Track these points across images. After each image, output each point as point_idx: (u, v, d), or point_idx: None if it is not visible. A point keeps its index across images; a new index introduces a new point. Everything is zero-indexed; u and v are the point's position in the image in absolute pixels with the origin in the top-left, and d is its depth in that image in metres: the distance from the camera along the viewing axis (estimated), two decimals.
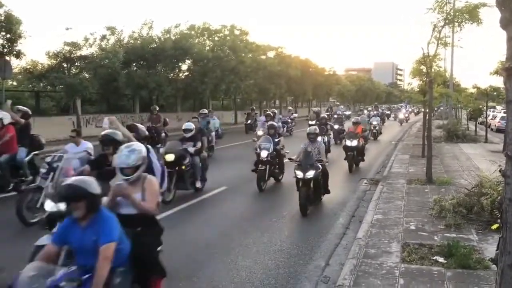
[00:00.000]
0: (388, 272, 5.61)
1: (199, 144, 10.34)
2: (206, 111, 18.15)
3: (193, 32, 31.86)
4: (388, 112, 50.39)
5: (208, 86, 30.19)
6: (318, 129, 10.12)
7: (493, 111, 39.03)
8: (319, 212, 9.14)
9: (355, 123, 15.90)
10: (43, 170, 7.58)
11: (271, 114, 18.93)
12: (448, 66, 29.52)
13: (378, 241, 6.84)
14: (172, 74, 29.72)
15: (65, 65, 21.77)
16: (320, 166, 9.07)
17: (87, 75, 22.75)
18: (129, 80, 24.79)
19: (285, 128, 26.02)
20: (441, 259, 5.96)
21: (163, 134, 17.18)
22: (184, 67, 31.36)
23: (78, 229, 3.83)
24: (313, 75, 53.77)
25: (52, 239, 4.02)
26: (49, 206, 5.26)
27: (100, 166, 5.63)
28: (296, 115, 33.33)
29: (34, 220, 7.37)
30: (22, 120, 10.01)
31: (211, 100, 38.33)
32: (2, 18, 17.42)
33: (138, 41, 27.03)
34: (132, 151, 4.42)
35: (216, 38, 33.55)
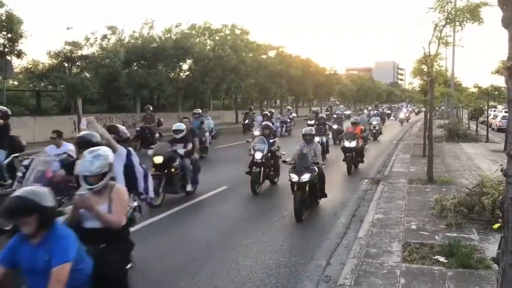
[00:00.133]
0: (389, 272, 5.61)
1: (190, 146, 9.97)
2: (199, 110, 17.59)
3: (194, 32, 31.86)
4: (389, 112, 50.06)
5: (209, 86, 30.18)
6: (314, 130, 9.79)
7: (494, 111, 39.03)
8: (320, 211, 9.13)
9: (354, 123, 15.51)
10: (19, 174, 6.95)
11: (268, 114, 18.39)
12: (449, 66, 29.52)
13: (379, 241, 6.84)
14: (173, 74, 29.71)
15: (66, 65, 21.75)
16: (316, 169, 8.71)
17: (88, 75, 22.73)
18: (130, 80, 24.79)
19: (284, 128, 25.62)
20: (442, 259, 5.95)
21: (157, 135, 16.88)
22: (185, 66, 31.36)
23: (29, 247, 3.34)
24: (314, 75, 53.73)
25: None
26: None
27: None
28: (295, 114, 32.87)
29: (8, 228, 7.06)
30: (1, 121, 9.49)
31: (212, 99, 38.35)
32: (3, 17, 17.43)
33: (139, 41, 27.02)
34: (97, 157, 4.00)
35: (217, 38, 33.54)
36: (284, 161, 9.40)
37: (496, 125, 33.58)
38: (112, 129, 6.00)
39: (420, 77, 16.64)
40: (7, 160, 9.27)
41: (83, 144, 5.15)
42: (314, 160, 8.98)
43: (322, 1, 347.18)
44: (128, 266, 4.32)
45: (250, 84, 37.38)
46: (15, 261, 3.38)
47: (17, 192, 3.38)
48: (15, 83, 26.41)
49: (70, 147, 7.86)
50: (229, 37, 33.45)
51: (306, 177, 8.31)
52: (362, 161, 14.68)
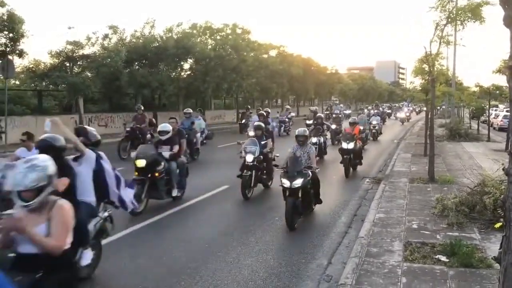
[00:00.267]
0: (390, 271, 5.61)
1: (176, 148, 9.35)
2: (190, 110, 16.87)
3: (195, 31, 31.88)
4: (389, 111, 49.74)
5: (210, 85, 30.20)
6: (308, 131, 9.08)
7: (495, 110, 38.99)
8: (321, 211, 9.12)
9: (352, 124, 14.95)
10: None
11: (264, 114, 17.73)
12: (451, 65, 29.46)
13: (380, 240, 6.84)
14: (174, 73, 29.73)
15: (67, 64, 21.80)
16: (309, 173, 8.11)
17: (89, 74, 22.79)
18: (131, 79, 24.81)
19: (282, 128, 25.36)
20: (443, 258, 5.95)
21: (148, 135, 15.88)
22: (186, 66, 31.41)
23: None
24: (315, 74, 53.75)
25: None
26: None
27: None
28: (293, 114, 32.35)
29: None
30: None
31: (213, 99, 38.37)
32: (5, 17, 17.45)
33: (140, 40, 27.04)
34: (32, 167, 3.31)
35: (218, 37, 33.55)
36: (275, 165, 8.85)
37: (498, 124, 33.53)
38: (80, 131, 5.59)
39: (421, 76, 16.65)
40: None
41: (44, 148, 4.60)
42: (307, 164, 8.41)
43: (323, 1, 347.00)
44: None
45: (251, 84, 37.39)
46: None
47: None
48: (17, 82, 26.46)
49: None
50: (230, 36, 33.45)
51: (298, 182, 7.75)
52: (361, 163, 14.11)
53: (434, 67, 12.39)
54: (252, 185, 10.06)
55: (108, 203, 5.41)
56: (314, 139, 15.21)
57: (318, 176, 8.66)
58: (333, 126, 19.81)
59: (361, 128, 18.15)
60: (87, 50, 21.72)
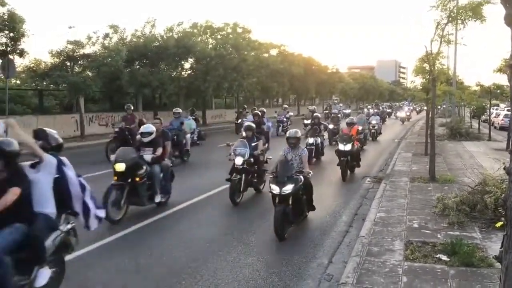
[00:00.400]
0: (391, 270, 5.61)
1: (159, 150, 8.75)
2: (179, 110, 16.18)
3: (195, 30, 31.89)
4: (389, 110, 49.44)
5: (210, 84, 30.20)
6: (299, 133, 8.41)
7: (496, 109, 38.95)
8: (322, 210, 9.12)
9: (350, 124, 14.32)
10: None
11: (259, 114, 16.96)
12: (451, 64, 29.43)
13: (381, 239, 6.84)
14: (174, 73, 29.74)
15: (68, 64, 21.79)
16: (301, 178, 7.57)
17: (90, 74, 22.78)
18: (132, 79, 24.82)
19: (280, 128, 24.84)
20: (444, 257, 5.95)
21: (138, 136, 15.02)
22: (186, 65, 31.41)
23: None
24: (316, 73, 53.76)
25: None
26: None
27: None
28: (291, 113, 31.38)
29: None
30: None
31: (213, 98, 38.39)
32: (6, 17, 17.46)
33: (141, 40, 27.06)
34: None
35: (219, 36, 33.54)
36: (265, 170, 8.33)
37: (499, 123, 33.52)
38: (39, 134, 5.01)
39: (422, 75, 16.61)
40: None
41: None
42: (299, 168, 7.91)
43: (324, 1, 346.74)
44: None
45: (252, 83, 37.39)
46: None
47: None
48: (18, 82, 26.48)
49: None
50: (231, 35, 33.45)
51: (288, 188, 7.17)
52: (359, 166, 13.45)
53: (435, 66, 12.38)
54: (241, 189, 9.48)
55: (71, 215, 4.87)
56: (311, 140, 15.03)
57: (311, 181, 8.08)
58: (331, 126, 19.30)
59: (360, 128, 17.82)
60: (87, 50, 21.74)
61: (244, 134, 12.17)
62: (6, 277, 3.82)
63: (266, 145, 14.84)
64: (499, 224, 6.95)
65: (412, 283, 5.21)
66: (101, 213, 4.99)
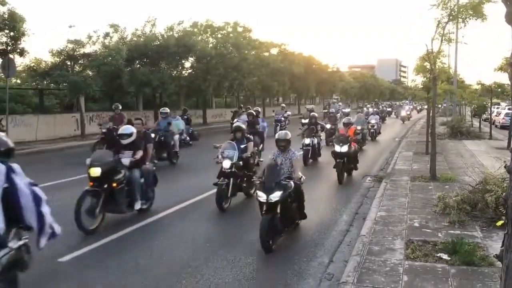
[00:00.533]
0: (392, 269, 5.60)
1: (139, 154, 8.09)
2: (167, 110, 15.31)
3: (196, 30, 31.86)
4: (389, 109, 49.10)
5: (211, 83, 30.18)
6: (289, 135, 7.80)
7: (497, 108, 38.92)
8: (323, 209, 9.12)
9: (346, 124, 13.53)
10: None
11: (254, 113, 16.21)
12: (452, 63, 29.41)
13: (382, 238, 6.83)
14: (175, 72, 29.70)
15: (68, 63, 21.79)
16: (291, 184, 6.99)
17: (90, 73, 22.78)
18: (133, 78, 24.81)
19: (278, 128, 23.74)
20: (445, 256, 5.94)
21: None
22: (187, 64, 31.35)
23: None
24: (316, 72, 53.71)
25: None
26: None
27: None
28: (289, 113, 29.90)
29: None
30: None
31: (214, 97, 38.36)
32: (6, 16, 17.45)
33: (141, 39, 27.02)
34: None
35: (219, 35, 33.52)
36: (249, 174, 7.65)
37: (500, 122, 33.51)
38: None
39: (423, 74, 16.58)
40: None
41: None
42: (290, 173, 7.38)
43: (324, 1, 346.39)
44: None
45: (252, 82, 37.36)
46: None
47: None
48: (18, 81, 26.46)
49: None
50: (231, 34, 33.43)
51: (276, 195, 6.56)
52: (356, 168, 12.83)
53: (436, 65, 12.36)
54: (229, 195, 8.88)
55: (24, 229, 4.27)
56: (307, 140, 14.63)
57: (301, 187, 7.44)
58: (328, 126, 18.56)
59: (359, 128, 17.57)
60: (88, 49, 21.73)
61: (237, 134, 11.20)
62: None
63: (261, 145, 14.40)
64: (500, 223, 6.94)
65: (412, 282, 5.21)
66: (57, 228, 4.27)
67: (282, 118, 25.61)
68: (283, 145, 7.62)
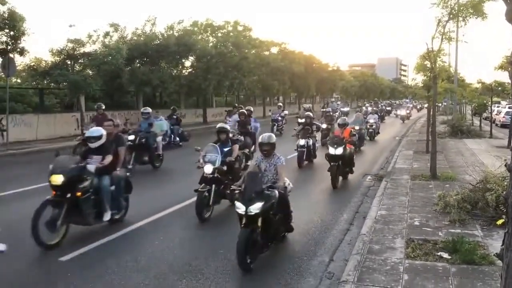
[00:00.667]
0: (392, 268, 5.60)
1: (108, 158, 7.29)
2: (149, 110, 14.12)
3: (196, 29, 31.82)
4: (389, 108, 48.58)
5: (211, 83, 30.15)
6: (274, 138, 6.98)
7: (498, 106, 38.93)
8: (323, 208, 9.12)
9: (342, 125, 12.84)
10: None
11: (245, 113, 15.36)
12: (453, 61, 29.39)
13: (382, 237, 6.83)
14: (175, 71, 29.69)
15: (68, 62, 21.78)
16: (275, 193, 6.16)
17: (90, 72, 22.77)
18: (133, 77, 24.81)
19: (275, 127, 23.97)
20: (445, 255, 5.94)
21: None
22: (187, 63, 31.33)
23: None
24: (316, 71, 53.67)
25: None
26: None
27: None
28: (286, 112, 29.70)
29: None
30: None
31: (214, 96, 38.34)
32: (6, 15, 17.43)
33: (141, 38, 27.01)
34: None
35: (219, 34, 33.48)
36: (231, 188, 6.53)
37: (500, 121, 33.50)
38: None
39: (423, 73, 16.56)
40: None
41: None
42: (273, 180, 6.63)
43: (324, 0, 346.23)
44: None
45: (252, 81, 37.35)
46: None
47: None
48: (18, 80, 26.47)
49: None
50: (231, 33, 33.38)
51: (256, 207, 5.76)
52: (352, 172, 12.17)
53: (436, 63, 12.35)
54: (211, 203, 8.13)
55: None
56: (302, 141, 14.07)
57: (287, 197, 6.71)
58: (324, 126, 17.95)
59: (357, 128, 17.35)
60: (88, 48, 21.71)
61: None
62: None
63: (253, 147, 13.59)
64: (500, 221, 6.94)
65: (413, 281, 5.20)
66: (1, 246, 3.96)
67: (279, 118, 25.13)
68: (267, 150, 6.82)
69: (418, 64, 15.65)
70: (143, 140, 12.89)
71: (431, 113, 13.81)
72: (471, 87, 31.21)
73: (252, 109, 17.35)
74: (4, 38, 17.95)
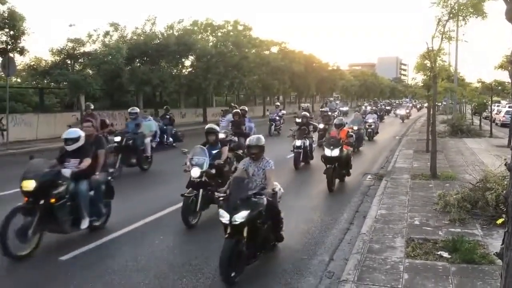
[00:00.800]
0: (392, 267, 5.60)
1: (86, 162, 6.84)
2: (136, 110, 13.57)
3: (196, 28, 31.80)
4: (388, 108, 48.29)
5: (211, 82, 30.14)
6: (263, 140, 6.48)
7: (498, 106, 38.89)
8: (323, 207, 9.12)
9: (338, 126, 12.37)
10: None
11: (240, 113, 14.99)
12: (453, 61, 29.37)
13: (382, 236, 6.83)
14: (175, 70, 29.67)
15: (68, 62, 21.78)
16: (263, 200, 5.71)
17: (90, 72, 22.76)
18: (133, 76, 24.81)
19: (273, 127, 23.65)
20: (445, 254, 5.94)
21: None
22: (187, 63, 31.31)
23: None
24: (316, 70, 53.65)
25: None
26: None
27: None
28: (284, 111, 29.16)
29: None
30: None
31: (214, 96, 38.34)
32: (6, 15, 17.43)
33: (141, 37, 27.01)
34: None
35: (219, 34, 33.46)
36: (217, 195, 5.89)
37: (500, 120, 33.49)
38: None
39: (423, 72, 16.56)
40: None
41: None
42: (262, 186, 6.17)
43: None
44: None
45: (252, 80, 37.33)
46: None
47: None
48: (18, 80, 26.47)
49: None
50: (231, 33, 33.37)
51: (241, 215, 5.29)
52: (349, 174, 11.74)
53: (436, 63, 12.35)
54: (198, 208, 7.66)
55: None
56: (298, 142, 13.67)
57: (277, 203, 6.32)
58: (321, 126, 17.33)
59: (355, 128, 17.31)
60: (88, 48, 21.71)
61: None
62: None
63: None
64: (500, 221, 6.94)
65: (413, 280, 5.21)
66: None
67: (277, 117, 24.78)
68: (255, 153, 6.34)
69: (418, 64, 15.65)
70: (130, 141, 12.40)
71: (431, 112, 13.81)
72: (471, 87, 31.19)
73: (246, 109, 16.90)
74: (4, 38, 17.96)
